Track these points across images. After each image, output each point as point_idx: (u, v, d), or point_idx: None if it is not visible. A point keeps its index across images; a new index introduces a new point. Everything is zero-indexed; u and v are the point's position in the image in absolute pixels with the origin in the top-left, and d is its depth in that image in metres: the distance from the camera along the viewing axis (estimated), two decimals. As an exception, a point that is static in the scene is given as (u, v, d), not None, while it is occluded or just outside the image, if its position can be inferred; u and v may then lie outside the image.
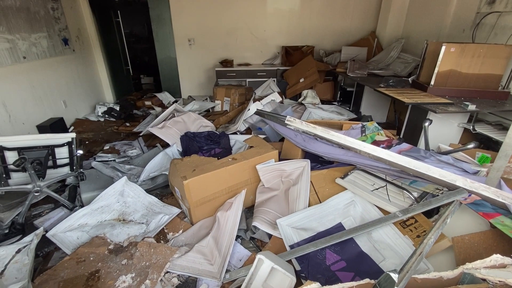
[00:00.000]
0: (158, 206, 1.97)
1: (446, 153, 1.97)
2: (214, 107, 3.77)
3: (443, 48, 2.34)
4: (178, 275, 1.48)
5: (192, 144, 2.65)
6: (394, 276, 0.87)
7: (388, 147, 1.99)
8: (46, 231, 1.65)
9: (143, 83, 6.47)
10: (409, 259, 1.03)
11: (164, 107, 4.26)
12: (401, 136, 2.80)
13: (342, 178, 1.82)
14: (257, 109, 2.92)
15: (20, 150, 1.93)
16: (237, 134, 2.91)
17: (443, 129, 2.35)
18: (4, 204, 1.95)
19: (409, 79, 2.99)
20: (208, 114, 3.70)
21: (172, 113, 3.06)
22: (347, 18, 4.53)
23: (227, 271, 1.47)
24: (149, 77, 6.57)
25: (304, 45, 4.53)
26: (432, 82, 2.49)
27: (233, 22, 4.39)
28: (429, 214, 1.56)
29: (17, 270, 1.39)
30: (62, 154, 2.11)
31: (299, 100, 3.79)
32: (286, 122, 1.91)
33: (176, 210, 1.91)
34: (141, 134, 3.12)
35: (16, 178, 2.01)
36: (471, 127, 2.38)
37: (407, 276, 0.94)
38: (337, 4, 4.41)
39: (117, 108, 4.11)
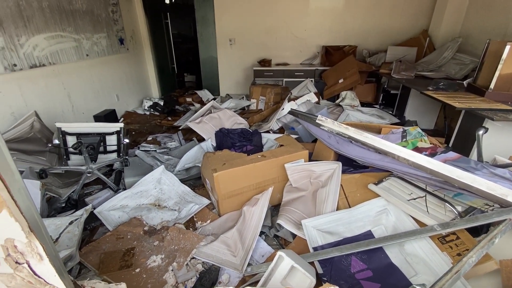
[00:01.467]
0: (190, 195, 2.09)
1: (504, 166, 1.73)
2: (249, 105, 3.83)
3: (507, 47, 2.06)
4: (203, 262, 1.55)
5: (226, 140, 2.74)
6: (421, 290, 0.81)
7: (432, 155, 1.82)
8: (94, 208, 1.86)
9: (186, 81, 6.86)
10: (444, 276, 0.94)
11: (203, 104, 4.46)
12: (450, 145, 2.55)
13: (376, 184, 1.72)
14: (291, 108, 2.90)
15: (78, 135, 2.20)
16: (269, 132, 2.93)
17: (501, 139, 2.08)
18: (63, 182, 2.25)
19: (464, 82, 2.69)
20: (243, 112, 3.79)
21: (210, 109, 3.20)
22: (396, 16, 4.24)
23: (249, 264, 1.50)
24: (191, 76, 6.93)
25: (346, 45, 4.36)
26: (492, 86, 2.21)
27: (273, 21, 4.42)
28: (475, 232, 1.40)
29: (68, 239, 1.59)
30: (111, 141, 2.36)
31: (337, 101, 3.66)
32: (317, 121, 1.87)
33: (206, 201, 2.00)
34: (180, 128, 3.32)
35: (74, 160, 2.30)
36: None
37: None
38: (386, 1, 4.16)
39: (161, 103, 4.42)
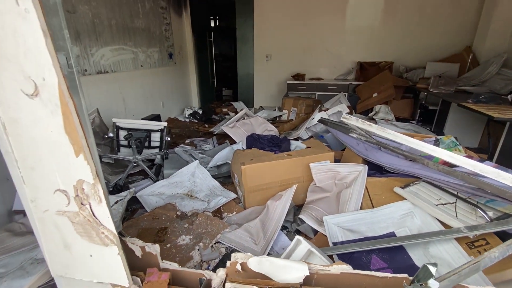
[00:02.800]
0: (219, 190, 2.24)
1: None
2: (281, 116, 3.98)
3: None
4: (226, 247, 1.65)
5: (256, 144, 2.89)
6: (432, 269, 0.83)
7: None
8: (136, 193, 2.11)
9: (223, 95, 7.31)
10: (462, 265, 0.93)
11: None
12: (493, 161, 2.39)
13: (402, 187, 1.70)
14: (321, 117, 2.98)
15: (128, 130, 2.53)
16: (298, 140, 3.02)
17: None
18: (112, 170, 2.57)
19: (509, 96, 2.54)
20: (274, 121, 3.94)
21: (243, 116, 3.41)
22: (436, 33, 4.16)
23: (269, 254, 1.57)
24: (229, 90, 7.39)
25: (382, 61, 4.36)
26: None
27: (309, 38, 4.62)
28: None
29: (113, 214, 1.82)
30: (155, 138, 2.66)
31: (370, 114, 3.64)
32: (342, 118, 1.93)
33: (233, 195, 2.13)
34: (215, 133, 3.57)
35: (123, 152, 2.63)
36: None
37: (452, 278, 0.86)
38: (426, 18, 4.13)
39: (200, 112, 4.80)
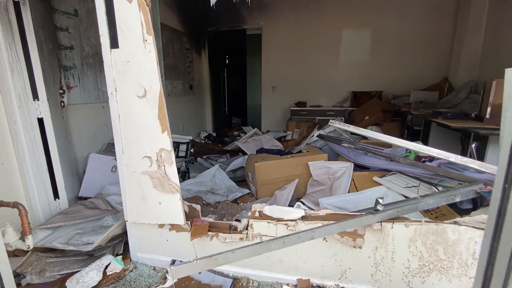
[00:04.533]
0: (235, 188, 2.75)
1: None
2: (285, 136, 4.57)
3: (494, 82, 2.54)
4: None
5: (265, 155, 3.44)
6: (380, 200, 1.32)
7: (430, 160, 2.27)
8: (169, 188, 2.63)
9: (233, 122, 8.06)
10: (402, 201, 1.42)
11: (247, 136, 5.34)
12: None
13: (380, 177, 2.20)
14: (319, 133, 3.55)
15: (162, 141, 3.13)
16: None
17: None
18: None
19: (472, 114, 3.10)
20: (279, 140, 4.52)
21: (253, 134, 4.01)
22: (418, 66, 4.88)
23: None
24: (238, 118, 8.16)
25: (373, 90, 5.05)
26: (488, 115, 2.62)
27: (309, 72, 5.39)
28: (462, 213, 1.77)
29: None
30: (182, 149, 3.24)
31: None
32: (329, 124, 2.48)
33: (247, 191, 2.63)
34: (229, 149, 4.14)
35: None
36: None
37: (396, 210, 1.35)
38: (408, 54, 4.87)
39: (214, 134, 5.44)
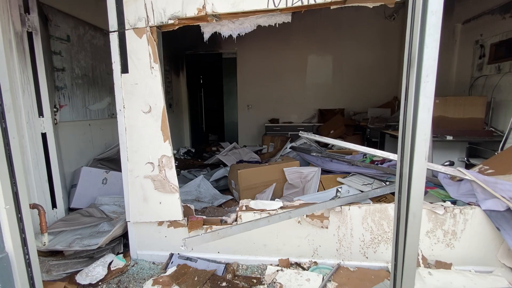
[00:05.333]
0: (219, 195, 3.02)
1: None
2: (262, 149, 4.97)
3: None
4: (230, 223, 2.40)
5: (244, 166, 3.77)
6: (340, 189, 1.72)
7: (381, 163, 2.78)
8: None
9: (210, 139, 8.32)
10: (358, 194, 1.83)
11: (225, 151, 5.65)
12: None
13: (343, 178, 2.64)
14: (292, 145, 4.00)
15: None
16: (276, 163, 3.95)
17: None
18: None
19: (414, 126, 3.76)
20: (256, 153, 4.89)
21: (232, 148, 4.34)
22: (373, 87, 5.67)
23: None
24: (214, 135, 8.45)
25: (336, 108, 5.71)
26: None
27: (281, 92, 5.95)
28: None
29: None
30: (167, 162, 3.46)
31: (329, 146, 4.73)
32: (299, 134, 2.91)
33: (230, 197, 2.92)
34: (209, 163, 4.41)
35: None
36: (465, 159, 2.98)
37: (352, 197, 1.76)
38: (364, 77, 5.65)
39: (193, 150, 5.67)
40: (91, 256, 1.92)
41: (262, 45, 5.81)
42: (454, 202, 1.76)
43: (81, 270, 1.72)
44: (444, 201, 1.79)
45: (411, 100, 0.90)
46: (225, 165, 3.95)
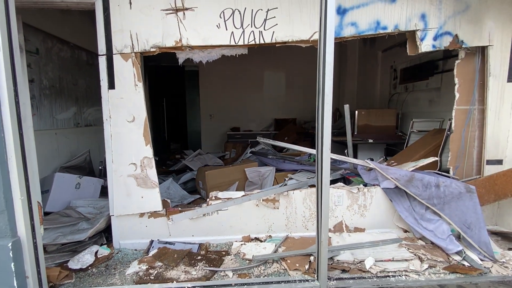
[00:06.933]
0: (188, 196, 3.39)
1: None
2: (225, 155, 5.42)
3: (356, 112, 4.06)
4: (199, 216, 2.80)
5: (209, 170, 4.18)
6: (286, 179, 2.29)
7: (322, 162, 3.46)
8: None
9: (171, 148, 8.46)
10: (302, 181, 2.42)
11: (189, 158, 5.94)
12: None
13: (292, 174, 3.25)
14: (251, 150, 4.54)
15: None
16: (238, 166, 4.43)
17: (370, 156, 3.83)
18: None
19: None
20: (220, 158, 5.32)
21: (197, 154, 4.72)
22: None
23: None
24: (176, 144, 8.62)
25: (289, 118, 6.48)
26: (355, 132, 4.10)
27: (241, 102, 6.51)
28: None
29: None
30: (136, 168, 3.70)
31: (283, 151, 5.41)
32: (257, 139, 3.48)
33: (198, 196, 3.31)
34: (175, 169, 4.70)
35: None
36: (384, 157, 3.85)
37: (297, 183, 2.33)
38: (312, 91, 6.52)
39: (157, 158, 5.85)
40: (74, 250, 2.15)
41: (223, 60, 6.33)
42: (365, 185, 2.46)
43: (70, 259, 1.96)
44: (360, 185, 2.48)
45: (320, 114, 1.49)
46: (191, 170, 4.30)
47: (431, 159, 2.33)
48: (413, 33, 2.24)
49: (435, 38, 2.21)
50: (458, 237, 2.11)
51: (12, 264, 1.44)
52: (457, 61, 2.35)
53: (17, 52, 1.49)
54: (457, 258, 1.98)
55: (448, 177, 2.29)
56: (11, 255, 1.44)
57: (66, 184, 2.81)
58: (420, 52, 2.26)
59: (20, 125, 1.49)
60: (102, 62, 2.01)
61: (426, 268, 1.85)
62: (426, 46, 2.23)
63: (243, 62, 6.55)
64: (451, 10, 2.16)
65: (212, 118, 6.59)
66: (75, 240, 2.08)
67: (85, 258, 1.94)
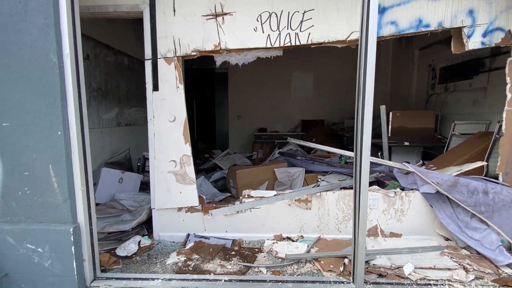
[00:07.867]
0: (218, 193, 3.50)
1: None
2: (252, 155, 5.50)
3: (391, 113, 3.92)
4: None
5: (238, 169, 4.27)
6: (319, 180, 2.28)
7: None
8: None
9: (199, 147, 8.76)
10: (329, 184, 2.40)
11: (217, 157, 6.12)
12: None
13: (323, 175, 3.22)
14: (280, 151, 4.57)
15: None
16: (266, 167, 4.48)
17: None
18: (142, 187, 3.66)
19: (382, 134, 4.46)
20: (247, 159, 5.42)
21: (226, 153, 4.85)
22: (348, 101, 6.41)
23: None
24: (203, 144, 8.91)
25: (317, 119, 6.40)
26: (389, 134, 3.95)
27: (268, 103, 6.57)
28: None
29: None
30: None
31: (312, 152, 5.36)
32: (288, 139, 3.49)
33: (229, 194, 3.41)
34: (205, 168, 4.87)
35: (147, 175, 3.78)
36: (421, 161, 3.68)
37: (327, 186, 2.32)
38: (341, 92, 6.40)
39: (187, 157, 6.10)
40: (119, 239, 2.33)
41: (252, 62, 6.44)
42: (403, 189, 2.38)
43: (117, 247, 2.14)
44: (397, 189, 2.40)
45: (360, 115, 1.49)
46: (220, 169, 4.43)
47: (478, 164, 2.19)
48: (459, 30, 2.13)
49: (484, 35, 2.08)
50: (509, 249, 1.96)
51: (73, 247, 1.61)
52: (509, 59, 2.18)
53: (81, 60, 1.67)
54: (508, 271, 1.84)
55: (497, 183, 2.14)
56: (72, 239, 1.61)
57: (111, 179, 3.05)
58: (466, 50, 2.14)
59: (82, 124, 1.67)
60: (148, 66, 2.16)
61: (473, 279, 1.75)
62: (473, 43, 2.10)
63: (272, 63, 6.60)
64: (504, 5, 2.02)
65: (240, 119, 6.72)
66: (120, 230, 2.25)
67: (130, 247, 2.10)
